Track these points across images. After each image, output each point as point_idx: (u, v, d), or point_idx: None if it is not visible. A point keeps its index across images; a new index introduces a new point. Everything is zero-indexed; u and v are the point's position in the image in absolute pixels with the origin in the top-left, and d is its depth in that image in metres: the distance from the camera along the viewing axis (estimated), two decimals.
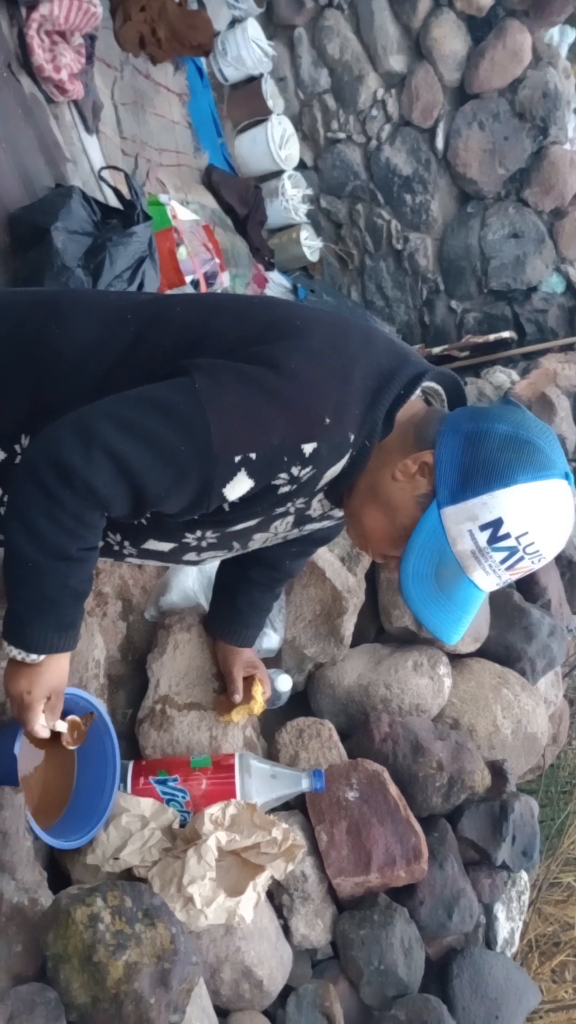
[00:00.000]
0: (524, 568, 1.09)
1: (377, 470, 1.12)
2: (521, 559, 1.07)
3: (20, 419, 1.16)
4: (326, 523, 1.28)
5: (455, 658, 2.16)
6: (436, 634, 1.14)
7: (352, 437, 1.09)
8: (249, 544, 1.25)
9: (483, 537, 1.05)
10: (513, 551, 1.06)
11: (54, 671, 1.18)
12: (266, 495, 1.09)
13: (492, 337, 4.96)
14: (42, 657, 1.14)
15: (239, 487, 1.05)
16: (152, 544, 1.21)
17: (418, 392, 1.15)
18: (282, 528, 1.21)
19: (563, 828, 2.74)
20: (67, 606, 1.12)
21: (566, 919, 2.51)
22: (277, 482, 1.07)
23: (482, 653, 2.23)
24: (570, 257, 5.08)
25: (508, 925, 1.91)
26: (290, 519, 1.19)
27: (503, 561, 1.07)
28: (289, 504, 1.14)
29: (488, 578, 1.09)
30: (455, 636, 1.15)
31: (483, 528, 1.05)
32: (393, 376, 1.11)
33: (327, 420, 1.05)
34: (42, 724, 1.21)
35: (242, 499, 1.08)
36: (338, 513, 1.24)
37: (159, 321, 1.15)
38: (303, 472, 1.07)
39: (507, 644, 2.24)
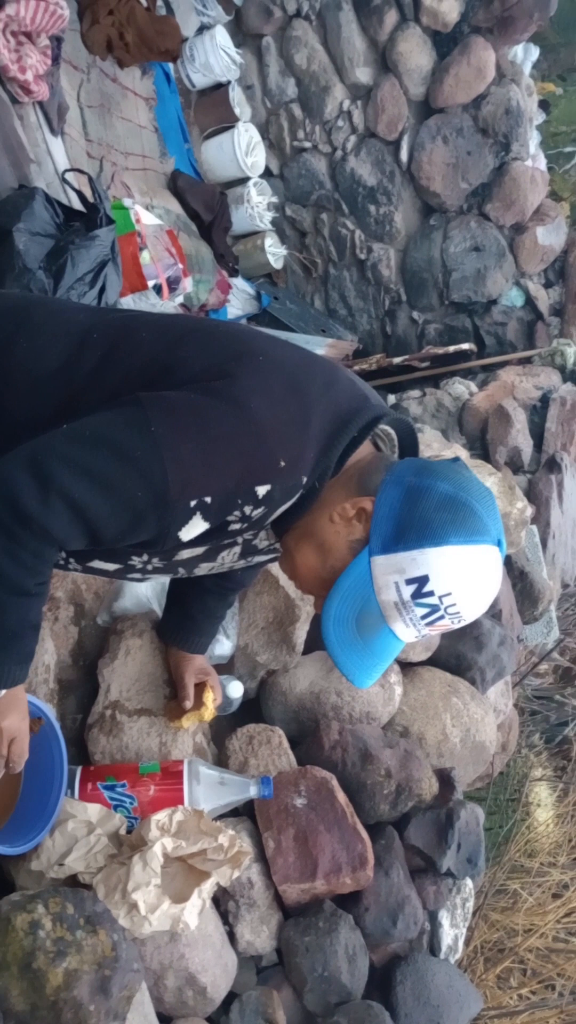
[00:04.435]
0: (443, 626, 1.11)
1: (317, 510, 1.13)
2: (441, 617, 1.09)
3: None
4: (272, 556, 1.28)
5: (406, 666, 2.18)
6: (348, 677, 1.15)
7: (305, 479, 1.10)
8: (195, 571, 1.25)
9: (408, 591, 1.07)
10: (435, 608, 1.08)
11: (19, 703, 1.19)
12: (217, 531, 1.10)
13: (452, 349, 5.03)
14: (3, 692, 1.14)
15: (194, 529, 1.06)
16: (98, 563, 1.21)
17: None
18: (229, 558, 1.22)
19: (510, 835, 2.78)
20: (27, 639, 1.13)
21: (511, 926, 2.55)
22: (230, 519, 1.08)
23: (433, 662, 2.25)
24: (530, 272, 5.17)
25: (452, 932, 1.94)
26: (237, 550, 1.20)
27: (424, 617, 1.08)
28: (237, 537, 1.15)
29: (408, 630, 1.11)
30: (367, 682, 1.16)
31: (409, 582, 1.06)
32: (350, 420, 1.12)
33: (282, 463, 1.06)
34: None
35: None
36: None
37: (125, 346, 1.14)
38: (255, 512, 1.09)
39: (458, 653, 2.27)
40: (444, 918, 1.91)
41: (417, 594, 1.07)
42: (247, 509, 1.07)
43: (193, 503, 1.03)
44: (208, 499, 1.04)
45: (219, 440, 1.03)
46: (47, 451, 1.03)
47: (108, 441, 1.03)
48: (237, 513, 1.07)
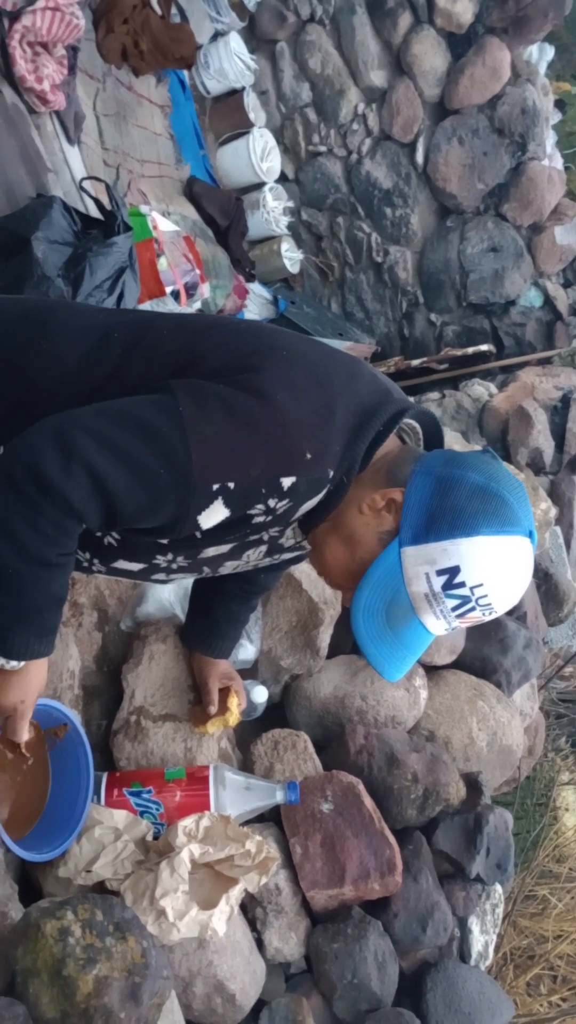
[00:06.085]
0: (474, 618, 1.09)
1: (346, 502, 1.12)
2: (472, 609, 1.07)
3: (1, 431, 1.15)
4: (297, 553, 1.27)
5: (431, 670, 2.17)
6: (378, 670, 1.14)
7: (331, 473, 1.09)
8: (220, 570, 1.24)
9: (438, 582, 1.06)
10: (466, 600, 1.06)
11: (40, 676, 1.18)
12: (240, 524, 1.09)
13: (471, 350, 5.00)
14: (23, 664, 1.13)
15: (215, 516, 1.05)
16: (122, 563, 1.21)
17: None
18: (254, 557, 1.21)
19: (538, 840, 2.75)
20: (49, 612, 1.12)
21: (541, 932, 2.52)
22: (253, 512, 1.07)
23: (458, 665, 2.23)
24: (548, 272, 5.15)
25: (482, 938, 1.91)
26: (263, 548, 1.19)
27: (454, 608, 1.07)
28: (263, 533, 1.14)
29: (438, 622, 1.10)
30: (397, 674, 1.15)
31: (440, 573, 1.05)
32: (375, 413, 1.11)
33: (308, 456, 1.05)
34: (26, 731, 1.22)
35: (216, 526, 1.08)
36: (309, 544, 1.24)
37: (146, 342, 1.14)
38: (280, 504, 1.07)
39: (483, 656, 2.25)
40: (474, 924, 1.89)
41: (448, 585, 1.05)
42: (272, 501, 1.06)
43: (215, 487, 1.02)
44: (231, 484, 1.03)
45: (245, 427, 1.03)
46: (72, 422, 1.03)
47: (134, 417, 1.03)
48: (261, 506, 1.06)
